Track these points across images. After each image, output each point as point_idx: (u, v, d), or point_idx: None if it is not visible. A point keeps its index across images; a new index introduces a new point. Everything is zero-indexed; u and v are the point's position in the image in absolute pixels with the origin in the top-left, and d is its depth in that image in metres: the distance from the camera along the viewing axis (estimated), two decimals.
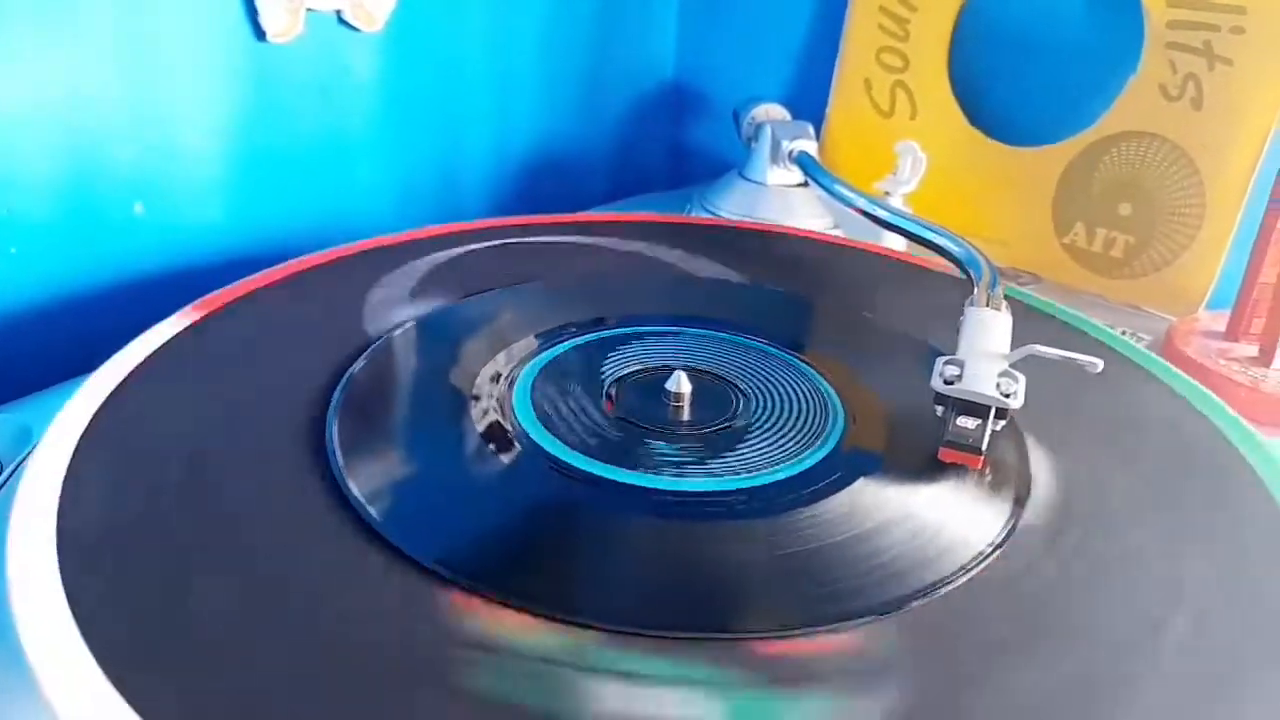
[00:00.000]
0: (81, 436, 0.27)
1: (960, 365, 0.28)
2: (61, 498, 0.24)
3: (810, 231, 0.48)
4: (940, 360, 0.29)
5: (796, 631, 0.22)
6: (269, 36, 0.44)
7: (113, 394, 0.29)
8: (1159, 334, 0.43)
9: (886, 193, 0.49)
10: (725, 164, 0.56)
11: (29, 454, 0.28)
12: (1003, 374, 0.28)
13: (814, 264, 0.44)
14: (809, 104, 0.58)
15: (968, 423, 0.28)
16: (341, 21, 0.47)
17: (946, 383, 0.28)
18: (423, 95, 0.52)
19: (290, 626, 0.21)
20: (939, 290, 0.39)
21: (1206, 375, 0.38)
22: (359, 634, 0.21)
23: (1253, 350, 0.39)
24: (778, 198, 0.52)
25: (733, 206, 0.52)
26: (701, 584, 0.24)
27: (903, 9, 0.53)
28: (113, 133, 0.41)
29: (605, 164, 0.64)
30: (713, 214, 0.52)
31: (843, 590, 0.23)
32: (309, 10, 0.45)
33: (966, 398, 0.28)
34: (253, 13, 0.43)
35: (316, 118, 0.48)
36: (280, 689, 0.19)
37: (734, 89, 0.65)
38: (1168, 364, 0.35)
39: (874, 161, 0.51)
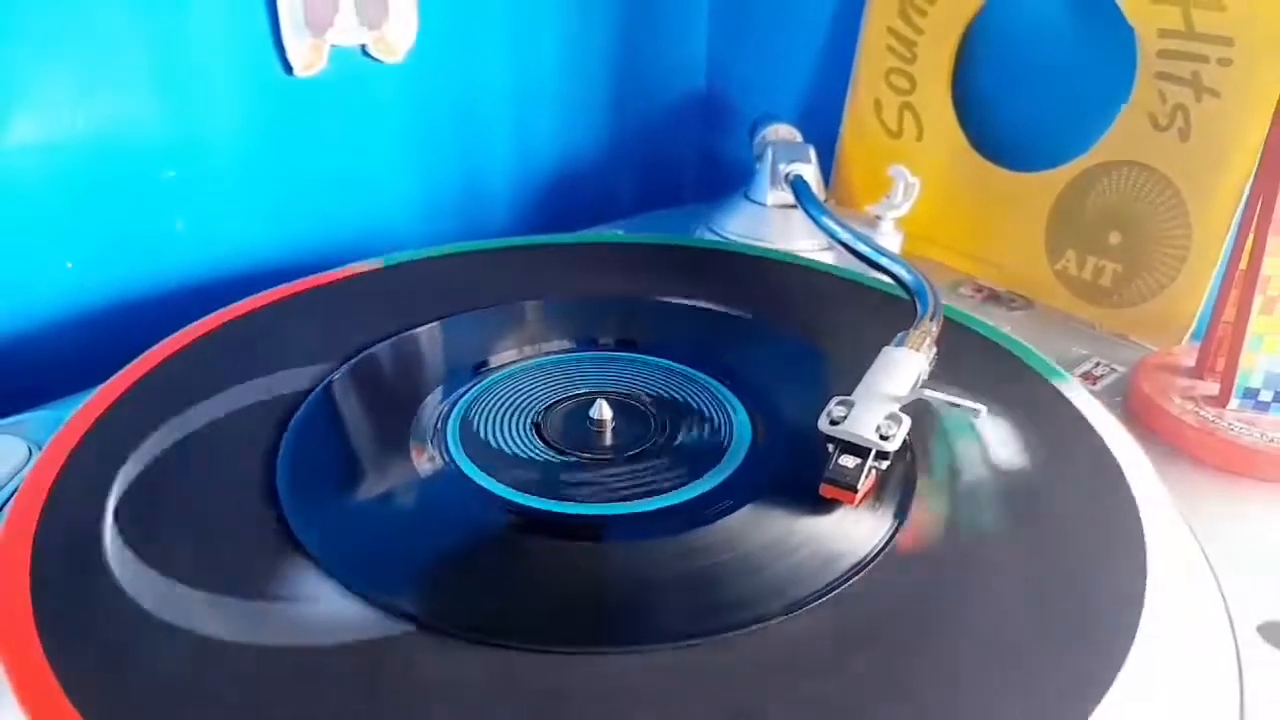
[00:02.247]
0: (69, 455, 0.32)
1: (850, 406, 0.30)
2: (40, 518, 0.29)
3: (777, 254, 0.49)
4: (833, 400, 0.31)
5: (696, 641, 0.24)
6: (296, 71, 0.48)
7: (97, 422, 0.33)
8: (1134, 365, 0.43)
9: (879, 216, 0.51)
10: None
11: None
12: (889, 416, 0.30)
13: (769, 285, 0.45)
14: (831, 119, 0.59)
15: (848, 461, 0.29)
16: (365, 54, 0.51)
17: (832, 423, 0.30)
18: (445, 116, 0.56)
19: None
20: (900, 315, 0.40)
21: (1157, 414, 0.38)
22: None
23: (1214, 389, 0.39)
24: (778, 219, 0.53)
25: (735, 226, 0.54)
26: (607, 602, 0.27)
27: (910, 31, 0.53)
28: (155, 158, 0.47)
29: (632, 175, 0.67)
30: (717, 234, 0.54)
31: (733, 602, 0.26)
32: (333, 46, 0.49)
33: (847, 439, 0.29)
34: (281, 49, 0.48)
35: (342, 142, 0.52)
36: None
37: (765, 98, 0.66)
38: (1085, 389, 0.36)
39: (884, 181, 0.52)
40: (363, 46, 0.51)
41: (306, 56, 0.48)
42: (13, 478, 0.37)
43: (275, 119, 0.49)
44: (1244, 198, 0.42)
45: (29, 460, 0.38)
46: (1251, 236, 0.37)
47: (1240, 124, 0.42)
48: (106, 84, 0.44)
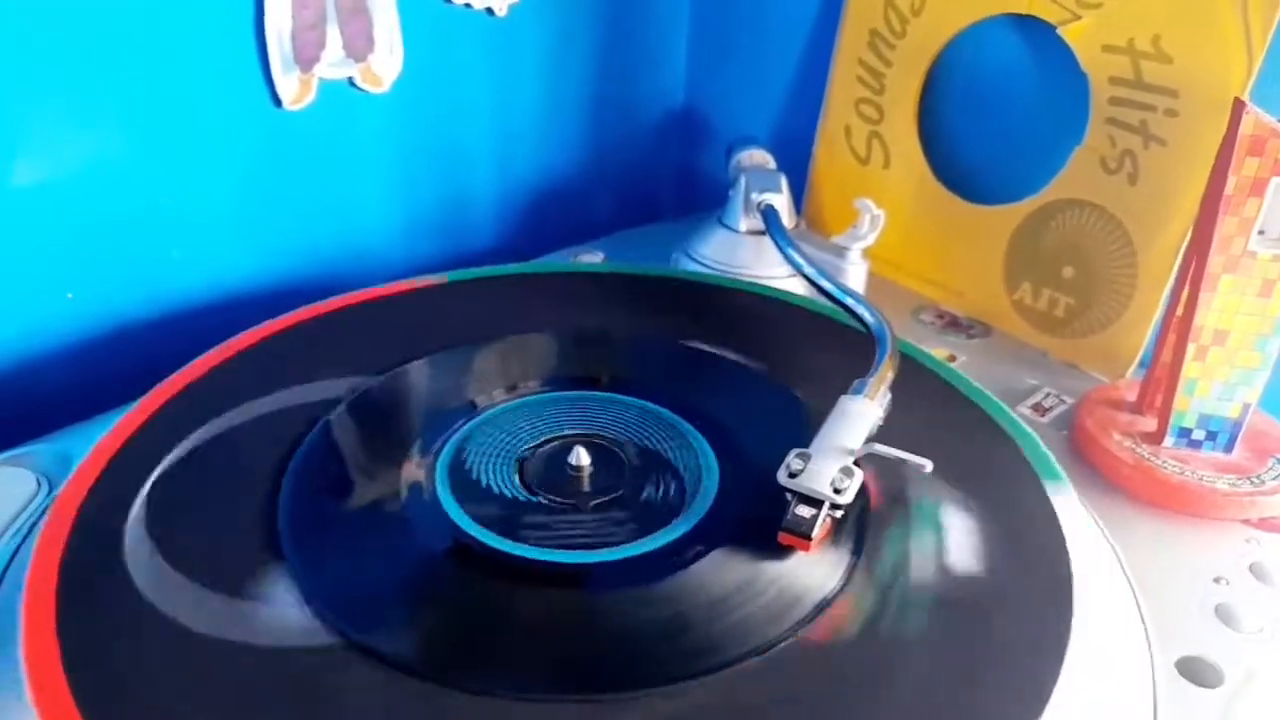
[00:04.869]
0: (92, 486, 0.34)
1: (806, 459, 0.33)
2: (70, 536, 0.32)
3: (749, 286, 0.51)
4: (792, 453, 0.33)
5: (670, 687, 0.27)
6: (285, 104, 0.50)
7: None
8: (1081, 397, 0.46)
9: (845, 246, 0.53)
10: None
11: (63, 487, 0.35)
12: (842, 470, 0.32)
13: (750, 320, 0.48)
14: (806, 140, 0.61)
15: (804, 512, 0.32)
16: (352, 85, 0.53)
17: (790, 475, 0.32)
18: (428, 142, 0.58)
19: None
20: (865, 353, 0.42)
21: (1096, 449, 0.41)
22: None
23: (1153, 425, 0.42)
24: (751, 246, 0.55)
25: (709, 252, 0.56)
26: (580, 650, 0.29)
27: (879, 63, 0.55)
28: (150, 190, 0.48)
29: (611, 194, 0.69)
30: (692, 258, 0.56)
31: (701, 648, 0.28)
32: (321, 79, 0.51)
33: (803, 492, 0.32)
34: (270, 84, 0.49)
35: (330, 170, 0.54)
36: None
37: (742, 117, 0.68)
38: (1033, 435, 0.38)
39: (852, 205, 0.54)
40: (350, 79, 0.52)
41: (295, 91, 0.50)
42: (22, 511, 0.39)
43: (265, 150, 0.51)
44: (1185, 243, 0.45)
45: (37, 493, 0.40)
46: (1186, 289, 0.40)
47: (1184, 173, 0.44)
48: (103, 122, 0.46)
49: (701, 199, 0.70)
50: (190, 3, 0.46)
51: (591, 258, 0.59)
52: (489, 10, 0.56)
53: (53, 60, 0.43)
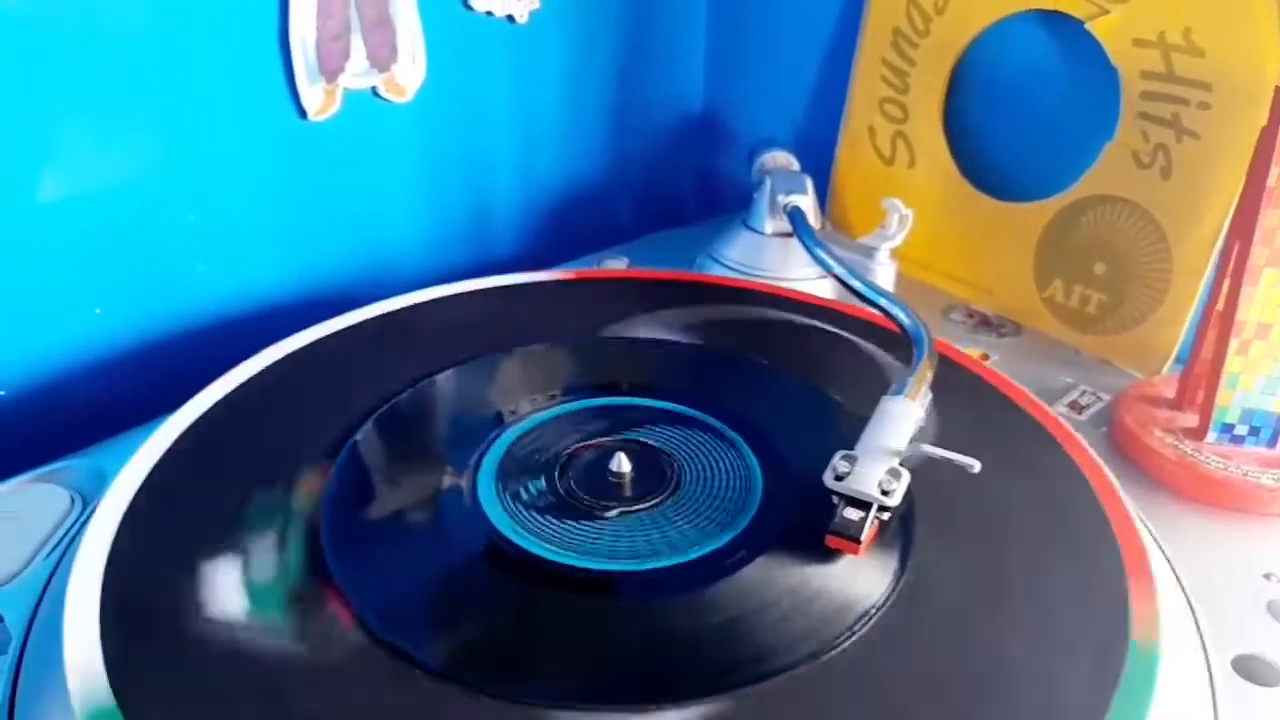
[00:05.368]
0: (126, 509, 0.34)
1: (853, 461, 0.32)
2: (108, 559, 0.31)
3: (780, 289, 0.51)
4: (838, 455, 0.33)
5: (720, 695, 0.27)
6: (310, 115, 0.50)
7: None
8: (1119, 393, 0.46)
9: (873, 247, 0.52)
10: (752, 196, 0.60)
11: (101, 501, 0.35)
12: (889, 471, 0.32)
13: (782, 324, 0.47)
14: (826, 142, 0.61)
15: (852, 515, 0.32)
16: (376, 95, 0.52)
17: (837, 479, 0.32)
18: (452, 150, 0.57)
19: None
20: (900, 355, 0.42)
21: (1138, 446, 0.41)
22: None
23: (1193, 421, 0.42)
24: (778, 248, 0.55)
25: (735, 254, 0.56)
26: (633, 659, 0.29)
27: (903, 63, 0.55)
28: (176, 204, 0.48)
29: (633, 200, 0.68)
30: (717, 261, 0.56)
31: (751, 656, 0.28)
32: (346, 90, 0.51)
33: (850, 494, 0.32)
34: (295, 95, 0.49)
35: (355, 181, 0.54)
36: None
37: (761, 118, 0.68)
38: (1080, 439, 0.38)
39: (878, 205, 0.53)
40: (373, 89, 0.52)
41: (320, 101, 0.50)
42: (56, 529, 0.39)
43: (290, 162, 0.51)
44: (1222, 236, 0.44)
45: (70, 510, 0.40)
46: (1227, 282, 0.39)
47: (1219, 166, 0.44)
48: (129, 136, 0.46)
49: (722, 202, 0.70)
50: (215, 16, 0.46)
51: (615, 263, 0.59)
52: (510, 18, 0.56)
53: (76, 75, 0.43)
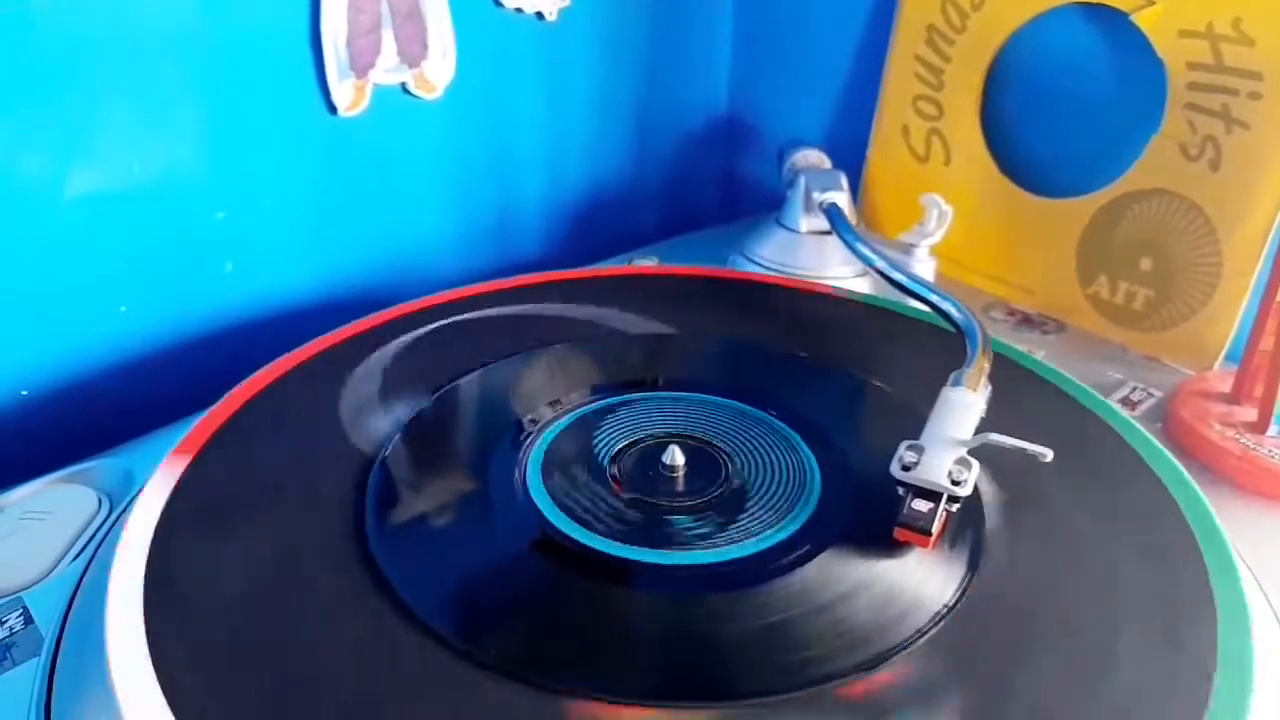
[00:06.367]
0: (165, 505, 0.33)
1: (920, 451, 0.31)
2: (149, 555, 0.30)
3: (818, 285, 0.50)
4: (903, 445, 0.32)
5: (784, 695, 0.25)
6: (340, 111, 0.49)
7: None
8: (1171, 389, 0.45)
9: (912, 244, 0.52)
10: (778, 197, 0.59)
11: (133, 499, 0.34)
12: (958, 461, 0.31)
13: (823, 319, 0.46)
14: (856, 142, 0.60)
15: (921, 506, 0.30)
16: (405, 91, 0.52)
17: (904, 469, 0.31)
18: (480, 149, 0.57)
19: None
20: (945, 348, 0.41)
21: (1198, 440, 0.40)
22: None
23: (1252, 415, 0.41)
24: (812, 246, 0.54)
25: (768, 253, 0.55)
26: (692, 655, 0.27)
27: (937, 59, 0.55)
28: (205, 201, 0.47)
29: (657, 201, 0.68)
30: (750, 260, 0.55)
31: (815, 655, 0.27)
32: (375, 85, 0.50)
33: (919, 484, 0.30)
34: (325, 91, 0.49)
35: (384, 178, 0.53)
36: None
37: (787, 121, 0.68)
38: (1148, 435, 0.37)
39: (911, 204, 0.53)
40: (403, 85, 0.51)
41: (350, 97, 0.49)
42: (84, 530, 0.37)
43: (319, 159, 0.50)
44: (1275, 227, 0.43)
45: (98, 510, 0.38)
46: None
47: (1270, 157, 0.43)
48: (158, 132, 0.45)
49: (746, 204, 0.69)
50: (246, 11, 0.45)
51: (645, 262, 0.58)
52: (539, 15, 0.56)
53: (112, 71, 0.42)
